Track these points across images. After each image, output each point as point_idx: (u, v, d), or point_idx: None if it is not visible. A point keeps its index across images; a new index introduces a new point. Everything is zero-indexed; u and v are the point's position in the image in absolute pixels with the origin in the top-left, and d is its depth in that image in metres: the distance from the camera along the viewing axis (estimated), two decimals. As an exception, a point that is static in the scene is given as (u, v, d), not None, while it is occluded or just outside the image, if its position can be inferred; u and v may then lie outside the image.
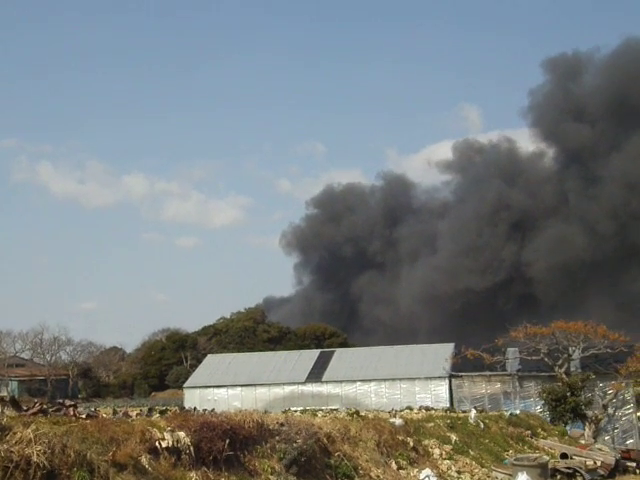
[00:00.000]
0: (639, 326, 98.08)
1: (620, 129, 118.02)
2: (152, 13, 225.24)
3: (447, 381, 46.39)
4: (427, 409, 35.09)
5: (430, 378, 46.85)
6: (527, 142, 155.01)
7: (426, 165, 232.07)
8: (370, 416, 24.57)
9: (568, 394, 39.47)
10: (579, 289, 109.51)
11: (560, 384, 40.62)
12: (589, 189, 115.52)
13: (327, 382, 48.95)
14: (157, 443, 13.18)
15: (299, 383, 49.41)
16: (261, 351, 72.60)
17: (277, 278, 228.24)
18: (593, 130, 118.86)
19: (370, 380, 48.10)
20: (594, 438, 38.52)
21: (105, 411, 23.90)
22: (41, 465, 10.41)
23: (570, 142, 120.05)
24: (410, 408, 36.10)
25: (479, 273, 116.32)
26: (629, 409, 43.51)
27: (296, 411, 30.12)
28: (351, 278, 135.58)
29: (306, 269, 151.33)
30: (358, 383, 48.31)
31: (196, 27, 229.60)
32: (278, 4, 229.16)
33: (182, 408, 33.55)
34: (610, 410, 42.30)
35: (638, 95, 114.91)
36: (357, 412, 24.96)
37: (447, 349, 48.79)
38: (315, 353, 55.27)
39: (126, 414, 19.28)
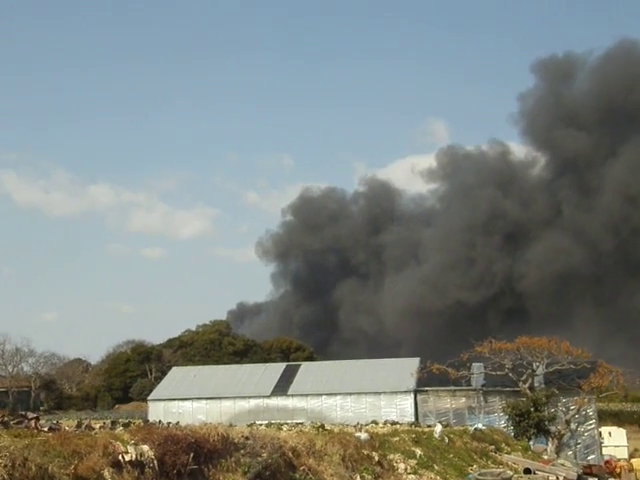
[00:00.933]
0: (628, 341, 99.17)
1: (616, 136, 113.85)
2: (117, 28, 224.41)
3: (412, 395, 46.48)
4: (392, 423, 35.10)
5: (396, 392, 46.90)
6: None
7: (398, 178, 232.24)
8: (335, 430, 24.53)
9: (532, 409, 39.77)
10: (570, 303, 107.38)
11: (524, 399, 40.92)
12: (584, 200, 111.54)
13: (293, 396, 48.78)
14: (120, 457, 13.02)
15: (265, 397, 49.19)
16: (227, 364, 72.20)
17: (244, 291, 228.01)
18: (587, 137, 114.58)
19: (336, 394, 48.03)
20: (557, 453, 38.85)
21: (68, 424, 23.57)
22: (1, 479, 10.24)
23: (563, 150, 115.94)
24: (375, 422, 36.10)
25: (470, 288, 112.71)
26: (591, 425, 43.94)
27: (261, 425, 30.00)
28: (332, 287, 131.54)
29: (284, 278, 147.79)
30: (324, 397, 48.22)
31: (165, 35, 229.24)
32: (242, 19, 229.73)
33: (146, 421, 33.21)
34: (573, 426, 42.70)
35: (634, 99, 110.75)
36: (322, 426, 24.93)
37: (413, 364, 48.88)
38: (281, 367, 55.09)
39: (89, 427, 19.04)
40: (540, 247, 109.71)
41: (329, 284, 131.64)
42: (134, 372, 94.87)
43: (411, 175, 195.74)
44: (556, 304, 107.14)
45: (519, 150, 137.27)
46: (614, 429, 51.35)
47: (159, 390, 54.00)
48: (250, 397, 49.55)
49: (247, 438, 17.09)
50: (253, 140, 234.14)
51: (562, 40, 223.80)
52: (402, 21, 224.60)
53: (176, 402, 50.75)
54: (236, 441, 16.59)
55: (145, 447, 13.57)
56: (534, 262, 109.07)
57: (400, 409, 46.27)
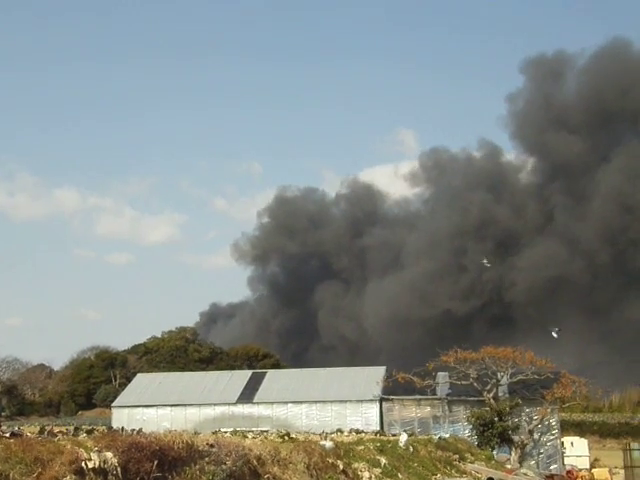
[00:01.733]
0: (613, 352, 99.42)
1: (609, 139, 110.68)
2: (87, 32, 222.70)
3: (378, 404, 46.56)
4: (357, 432, 35.22)
5: (361, 401, 46.96)
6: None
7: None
8: (301, 438, 24.55)
9: (496, 419, 40.11)
10: (559, 312, 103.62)
11: (488, 409, 41.25)
12: (577, 207, 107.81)
13: (258, 403, 48.63)
14: (83, 464, 12.93)
15: (230, 404, 48.96)
16: (192, 371, 71.82)
17: (212, 298, 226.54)
18: (580, 140, 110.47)
19: (301, 402, 47.96)
20: (520, 463, 39.20)
21: (30, 430, 23.32)
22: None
23: (554, 154, 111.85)
24: (341, 431, 36.20)
25: (459, 297, 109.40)
26: (554, 434, 44.38)
27: (226, 432, 29.88)
28: (311, 291, 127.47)
29: (262, 282, 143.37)
30: (289, 405, 48.13)
31: (132, 37, 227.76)
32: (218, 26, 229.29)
33: (110, 428, 32.94)
34: (536, 435, 43.09)
35: (628, 101, 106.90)
36: (288, 434, 24.94)
37: (379, 372, 49.01)
38: (247, 374, 54.91)
39: (52, 433, 18.87)
40: (531, 254, 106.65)
41: (308, 288, 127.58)
42: (98, 378, 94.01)
43: (389, 180, 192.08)
44: (544, 313, 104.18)
45: (508, 153, 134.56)
46: (576, 439, 51.88)
47: (123, 397, 53.50)
48: (215, 404, 49.29)
49: (212, 446, 17.05)
50: (223, 146, 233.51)
51: (551, 39, 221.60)
52: (381, 21, 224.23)
53: (140, 409, 50.30)
54: (201, 449, 16.53)
55: (109, 454, 13.49)
56: (524, 270, 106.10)
57: (365, 418, 46.32)
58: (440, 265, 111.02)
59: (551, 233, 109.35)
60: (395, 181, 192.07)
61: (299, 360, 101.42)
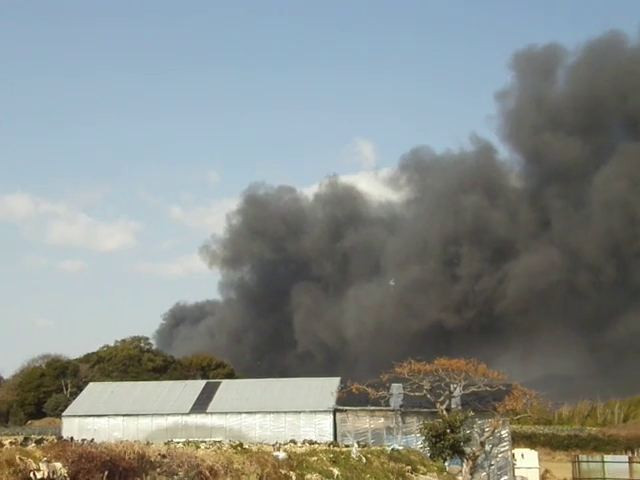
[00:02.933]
0: (604, 364, 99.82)
1: (608, 139, 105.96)
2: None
3: (332, 415, 46.60)
4: (311, 443, 35.15)
5: (315, 412, 46.95)
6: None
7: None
8: (254, 449, 24.45)
9: (448, 430, 40.38)
10: (547, 321, 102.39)
11: (441, 420, 41.53)
12: (576, 214, 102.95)
13: (212, 413, 48.32)
14: (32, 474, 12.74)
15: (183, 414, 48.57)
16: (146, 380, 71.07)
17: (167, 307, 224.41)
18: (575, 141, 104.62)
19: (255, 412, 47.79)
20: (471, 474, 39.56)
21: (-23, 439, 22.84)
22: None
23: (548, 156, 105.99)
24: (294, 441, 36.07)
25: (450, 308, 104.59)
26: (505, 446, 44.86)
27: (179, 443, 29.61)
28: (287, 297, 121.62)
29: (233, 287, 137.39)
30: (243, 415, 47.91)
31: (90, 44, 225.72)
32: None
33: (60, 438, 32.41)
34: (487, 447, 43.48)
35: (626, 99, 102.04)
36: (241, 445, 24.79)
37: (333, 383, 49.10)
38: (201, 384, 54.55)
39: (-1, 443, 18.51)
40: (526, 262, 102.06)
41: (284, 293, 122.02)
42: (49, 387, 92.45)
43: (369, 184, 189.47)
44: (536, 322, 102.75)
45: (497, 154, 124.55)
46: (527, 451, 52.51)
47: (74, 406, 52.72)
48: (168, 414, 48.86)
49: (164, 456, 16.91)
50: (179, 154, 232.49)
51: (539, 34, 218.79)
52: (359, 21, 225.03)
53: (91, 418, 49.62)
54: (152, 459, 16.39)
55: (58, 464, 13.30)
56: (518, 278, 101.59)
57: (319, 428, 46.32)
58: (429, 273, 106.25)
59: (548, 240, 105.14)
60: (376, 185, 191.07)
61: (276, 369, 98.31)
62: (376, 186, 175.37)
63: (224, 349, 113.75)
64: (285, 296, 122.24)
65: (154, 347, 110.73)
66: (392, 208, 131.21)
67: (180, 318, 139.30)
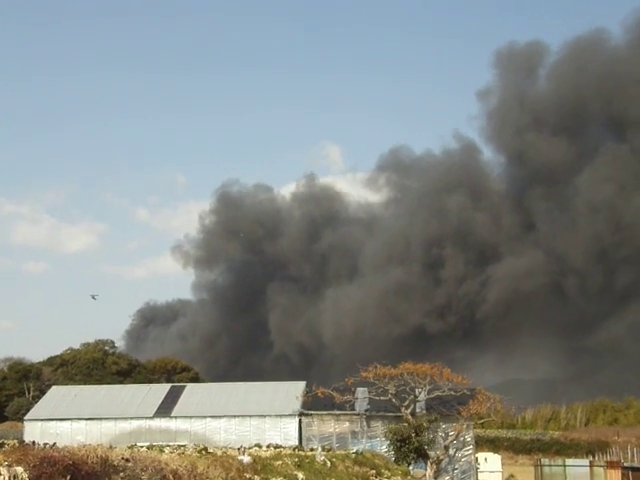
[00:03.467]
0: (580, 369, 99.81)
1: (592, 140, 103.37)
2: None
3: (297, 419, 46.60)
4: (276, 447, 35.12)
5: (280, 416, 46.92)
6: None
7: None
8: (218, 453, 24.42)
9: (412, 435, 40.60)
10: (529, 327, 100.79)
11: (405, 425, 41.74)
12: (561, 216, 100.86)
13: (176, 417, 48.05)
14: (-8, 478, 12.61)
15: (147, 418, 48.23)
16: (110, 384, 70.43)
17: (133, 310, 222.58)
18: (559, 141, 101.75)
19: (220, 416, 47.62)
20: (435, 478, 39.86)
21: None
22: None
23: (532, 156, 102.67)
24: (259, 445, 36.05)
25: (432, 313, 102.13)
26: (469, 450, 45.21)
27: (143, 447, 29.43)
28: (263, 298, 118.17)
29: (206, 289, 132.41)
30: (208, 419, 47.71)
31: (57, 47, 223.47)
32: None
33: (21, 442, 32.00)
34: (451, 451, 43.79)
35: (612, 98, 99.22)
36: (205, 449, 24.75)
37: (299, 387, 49.11)
38: (165, 387, 54.19)
39: (-41, 447, 18.30)
40: (508, 265, 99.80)
41: (258, 294, 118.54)
42: (11, 390, 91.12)
43: (348, 185, 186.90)
44: (518, 326, 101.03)
45: (481, 154, 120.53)
46: (490, 455, 52.95)
47: (36, 410, 52.07)
48: (132, 418, 48.48)
49: (127, 460, 16.82)
50: (146, 155, 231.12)
51: (522, 31, 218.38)
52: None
53: (54, 422, 49.05)
54: (116, 463, 16.30)
55: (19, 469, 13.18)
56: (501, 281, 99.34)
57: (284, 432, 46.28)
58: (410, 276, 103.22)
59: (533, 243, 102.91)
60: (354, 185, 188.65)
61: (251, 372, 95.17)
62: (354, 186, 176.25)
63: (197, 352, 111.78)
64: (260, 297, 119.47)
65: (124, 348, 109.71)
66: (371, 208, 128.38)
67: (150, 318, 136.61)
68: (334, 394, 44.33)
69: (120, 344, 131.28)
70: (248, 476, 22.37)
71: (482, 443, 61.33)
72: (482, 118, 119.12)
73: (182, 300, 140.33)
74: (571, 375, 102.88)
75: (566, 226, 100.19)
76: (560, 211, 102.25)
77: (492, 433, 70.53)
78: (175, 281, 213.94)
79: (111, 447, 21.29)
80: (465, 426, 43.88)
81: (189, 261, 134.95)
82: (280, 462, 26.42)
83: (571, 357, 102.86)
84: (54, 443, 27.47)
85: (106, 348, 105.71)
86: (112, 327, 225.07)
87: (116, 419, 48.56)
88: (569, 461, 51.13)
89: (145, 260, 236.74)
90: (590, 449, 63.48)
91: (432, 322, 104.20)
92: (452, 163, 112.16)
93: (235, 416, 47.48)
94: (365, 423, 46.36)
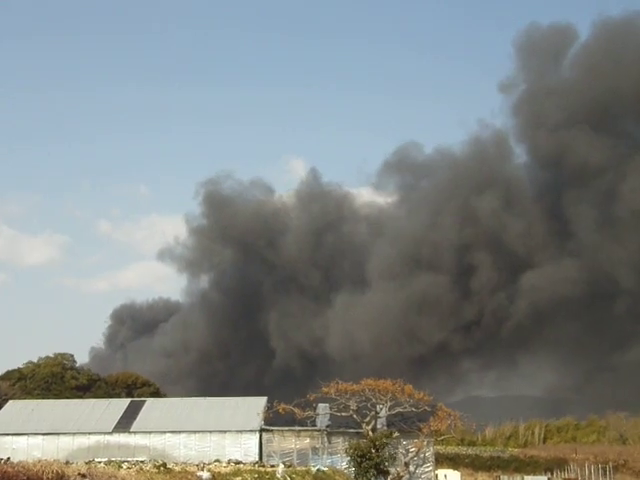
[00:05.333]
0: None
1: (633, 137, 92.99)
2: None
3: (258, 435, 46.37)
4: (236, 463, 35.02)
5: (241, 431, 46.64)
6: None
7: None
8: (177, 469, 24.25)
9: (373, 451, 40.63)
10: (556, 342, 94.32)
11: (366, 441, 41.75)
12: (604, 224, 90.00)
13: (135, 432, 47.51)
14: (-56, 493, 12.40)
15: (106, 433, 47.63)
16: (69, 398, 69.46)
17: (94, 323, 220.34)
18: (599, 139, 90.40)
19: (180, 432, 47.19)
20: (395, 494, 39.82)
21: None
22: None
23: (569, 156, 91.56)
24: (219, 461, 35.93)
25: (460, 330, 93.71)
26: (429, 467, 45.35)
27: (101, 462, 29.14)
28: (260, 305, 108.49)
29: (197, 297, 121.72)
30: (168, 434, 47.25)
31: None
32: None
33: (-25, 457, 31.49)
34: (411, 467, 43.91)
35: None
36: (164, 464, 24.56)
37: (260, 403, 48.90)
38: (125, 402, 53.58)
39: None
40: (542, 275, 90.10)
41: (255, 303, 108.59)
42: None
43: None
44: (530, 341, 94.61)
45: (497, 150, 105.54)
46: (450, 472, 53.15)
47: (-8, 424, 51.18)
48: (90, 433, 47.84)
49: (84, 476, 16.65)
50: (109, 168, 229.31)
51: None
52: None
53: (10, 437, 48.22)
54: (72, 479, 16.11)
55: (-28, 484, 12.97)
56: (529, 293, 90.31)
57: (245, 448, 46.00)
58: (436, 286, 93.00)
59: (570, 252, 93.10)
60: (359, 185, 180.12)
61: (252, 387, 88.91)
62: (360, 186, 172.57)
63: (190, 366, 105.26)
64: (259, 305, 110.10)
65: (103, 356, 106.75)
66: (379, 210, 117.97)
67: (129, 321, 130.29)
68: (295, 410, 44.21)
69: (99, 352, 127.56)
70: (207, 492, 22.24)
71: (442, 460, 61.53)
72: (504, 113, 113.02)
73: (164, 298, 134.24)
74: (567, 392, 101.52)
75: (609, 235, 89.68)
76: (605, 218, 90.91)
77: (452, 450, 70.83)
78: (140, 293, 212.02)
79: (68, 463, 21.08)
80: (425, 442, 44.06)
81: (179, 262, 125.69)
82: (240, 478, 26.34)
83: (579, 375, 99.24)
84: (8, 458, 27.09)
85: (65, 362, 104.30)
86: (72, 341, 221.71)
87: (74, 434, 47.91)
88: (528, 478, 51.69)
89: (107, 273, 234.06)
90: (548, 466, 64.02)
91: (458, 339, 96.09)
92: (482, 162, 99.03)
93: (195, 431, 47.11)
94: (326, 439, 46.29)
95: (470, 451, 72.37)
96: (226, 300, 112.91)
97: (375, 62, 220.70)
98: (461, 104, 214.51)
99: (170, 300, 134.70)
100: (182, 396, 65.76)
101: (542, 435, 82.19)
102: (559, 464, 62.28)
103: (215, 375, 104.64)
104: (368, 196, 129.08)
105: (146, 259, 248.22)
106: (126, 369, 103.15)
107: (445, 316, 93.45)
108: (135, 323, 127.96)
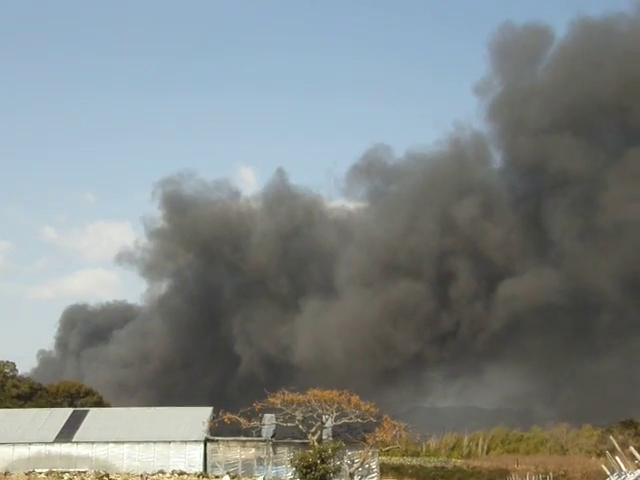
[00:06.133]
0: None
1: (614, 140, 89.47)
2: None
3: (202, 445, 46.07)
4: (180, 473, 34.75)
5: (186, 442, 46.29)
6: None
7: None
8: (119, 479, 23.97)
9: (318, 461, 40.65)
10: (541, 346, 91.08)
11: (312, 451, 41.79)
12: (586, 233, 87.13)
13: (78, 443, 46.76)
14: None
15: (47, 443, 46.76)
16: (9, 408, 67.99)
17: (38, 331, 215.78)
18: (579, 144, 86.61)
19: (123, 442, 46.61)
20: (340, 505, 39.92)
21: None
22: None
23: (549, 160, 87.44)
24: (163, 472, 35.60)
25: (436, 340, 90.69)
26: (373, 477, 45.64)
27: (41, 473, 28.64)
28: (224, 313, 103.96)
29: (156, 299, 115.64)
30: (111, 445, 46.62)
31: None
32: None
33: None
34: (356, 478, 44.09)
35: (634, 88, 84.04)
36: (107, 475, 24.27)
37: (205, 412, 48.59)
38: (67, 412, 52.72)
39: None
40: (519, 285, 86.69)
41: (219, 310, 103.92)
42: None
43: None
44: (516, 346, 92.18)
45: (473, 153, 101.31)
46: (394, 482, 53.45)
47: None
48: (31, 443, 46.89)
49: (24, 486, 16.39)
50: (55, 174, 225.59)
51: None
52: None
53: (-54, 447, 47.06)
54: (12, 489, 15.85)
55: None
56: (506, 302, 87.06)
57: (189, 459, 45.65)
58: (411, 294, 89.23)
59: (548, 262, 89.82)
60: (328, 188, 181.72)
61: (215, 396, 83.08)
62: (329, 190, 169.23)
63: (152, 375, 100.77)
64: (222, 312, 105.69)
65: (53, 356, 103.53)
66: (348, 214, 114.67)
67: (83, 328, 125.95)
68: (241, 420, 44.05)
69: (48, 356, 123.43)
70: (150, 503, 22.04)
71: (387, 470, 61.76)
72: (486, 115, 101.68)
73: (119, 303, 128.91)
74: (530, 402, 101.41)
75: (590, 247, 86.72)
76: (586, 227, 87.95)
77: (397, 460, 71.16)
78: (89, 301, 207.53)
79: (7, 473, 20.69)
80: (370, 453, 44.27)
81: (141, 270, 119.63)
82: (183, 489, 26.12)
83: (543, 386, 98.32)
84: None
85: (6, 370, 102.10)
86: (17, 348, 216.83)
87: (14, 444, 46.90)
88: (471, 488, 52.12)
89: (52, 280, 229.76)
90: (491, 477, 64.72)
91: (432, 350, 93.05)
92: (460, 166, 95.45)
93: (139, 442, 46.57)
94: (271, 449, 46.23)
95: (414, 462, 72.79)
96: (188, 306, 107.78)
97: (345, 65, 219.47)
98: (434, 107, 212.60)
99: (125, 303, 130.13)
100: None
101: (485, 446, 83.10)
102: (501, 474, 63.02)
103: (176, 385, 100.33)
104: (337, 200, 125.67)
105: (92, 266, 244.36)
106: (79, 378, 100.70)
107: (421, 325, 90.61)
108: (87, 326, 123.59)
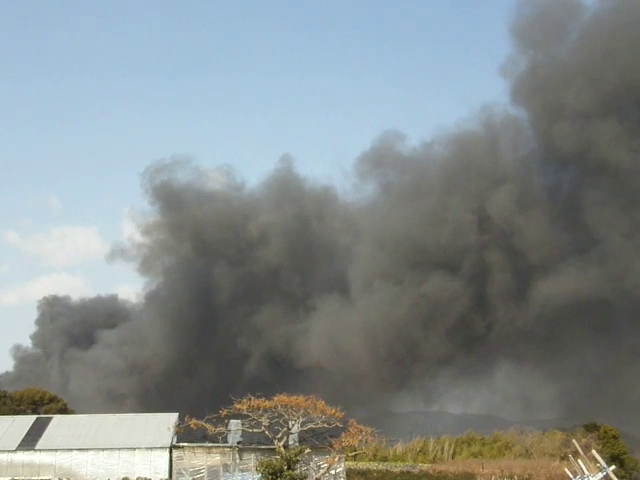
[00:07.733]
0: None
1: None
2: None
3: (168, 452, 45.76)
4: (145, 480, 34.46)
5: (151, 448, 45.94)
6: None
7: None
8: (83, 487, 23.74)
9: (285, 467, 40.63)
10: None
11: (278, 457, 41.73)
12: (633, 229, 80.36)
13: (41, 450, 46.20)
14: None
15: (9, 451, 46.13)
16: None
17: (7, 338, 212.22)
18: (625, 129, 79.18)
19: (87, 449, 46.14)
20: (306, 511, 39.88)
21: None
22: None
23: (592, 148, 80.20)
24: (127, 479, 35.25)
25: (467, 343, 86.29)
26: (339, 482, 45.61)
27: (2, 481, 28.26)
28: (227, 312, 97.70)
29: (151, 301, 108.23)
30: (75, 452, 46.12)
31: None
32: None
33: None
34: (322, 484, 44.06)
35: None
36: (70, 483, 24.01)
37: (171, 419, 48.28)
38: (30, 419, 51.99)
39: None
40: (555, 284, 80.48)
41: (220, 309, 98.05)
42: None
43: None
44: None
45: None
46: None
47: None
48: (-7, 451, 46.27)
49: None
50: (19, 177, 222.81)
51: None
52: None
53: None
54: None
55: None
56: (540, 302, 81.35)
57: (154, 466, 45.33)
58: (441, 292, 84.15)
59: (592, 259, 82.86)
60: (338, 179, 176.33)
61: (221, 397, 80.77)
62: (340, 180, 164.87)
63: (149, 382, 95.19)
64: (225, 312, 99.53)
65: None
66: (359, 207, 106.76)
67: (64, 325, 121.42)
68: (207, 426, 43.84)
69: (25, 352, 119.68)
70: (114, 510, 21.84)
71: (353, 475, 61.78)
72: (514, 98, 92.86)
73: (102, 297, 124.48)
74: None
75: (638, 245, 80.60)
76: (633, 223, 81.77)
77: (363, 465, 71.22)
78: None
79: (-32, 482, 20.39)
80: (337, 458, 44.30)
81: (136, 267, 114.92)
82: (148, 496, 25.92)
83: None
84: None
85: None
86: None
87: (-25, 453, 46.23)
88: (436, 493, 52.35)
89: (16, 284, 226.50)
90: (456, 481, 65.07)
91: (463, 353, 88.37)
92: (493, 154, 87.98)
93: (103, 449, 46.16)
94: (237, 456, 46.05)
95: (382, 466, 72.89)
96: (187, 306, 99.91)
97: (359, 49, 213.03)
98: (453, 90, 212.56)
99: (112, 297, 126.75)
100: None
101: (451, 450, 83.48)
102: (467, 479, 63.38)
103: (163, 391, 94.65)
104: (347, 191, 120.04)
105: (57, 271, 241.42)
106: (64, 385, 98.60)
107: (450, 326, 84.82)
108: (69, 322, 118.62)
